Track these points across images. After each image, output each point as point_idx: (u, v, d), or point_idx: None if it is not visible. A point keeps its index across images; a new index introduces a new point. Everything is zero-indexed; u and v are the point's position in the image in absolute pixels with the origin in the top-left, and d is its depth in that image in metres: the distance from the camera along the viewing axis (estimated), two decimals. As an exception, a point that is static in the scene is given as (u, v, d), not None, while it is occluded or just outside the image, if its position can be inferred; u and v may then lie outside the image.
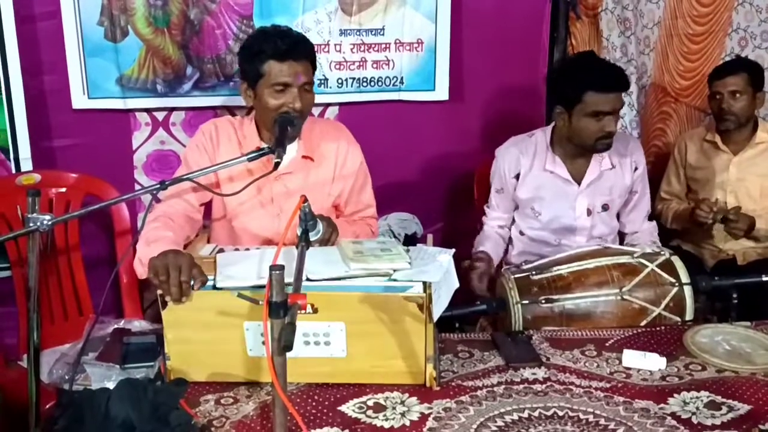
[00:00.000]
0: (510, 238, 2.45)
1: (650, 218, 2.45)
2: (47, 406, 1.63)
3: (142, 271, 1.69)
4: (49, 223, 1.47)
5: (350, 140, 2.11)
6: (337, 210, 2.13)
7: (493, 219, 2.45)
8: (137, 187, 2.64)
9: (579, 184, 2.30)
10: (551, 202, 2.32)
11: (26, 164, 2.45)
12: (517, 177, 2.34)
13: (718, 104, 2.57)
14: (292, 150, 2.02)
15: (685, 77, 2.86)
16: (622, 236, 2.44)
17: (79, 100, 2.50)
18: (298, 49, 1.89)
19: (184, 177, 1.79)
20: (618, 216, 2.41)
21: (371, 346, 1.51)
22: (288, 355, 1.20)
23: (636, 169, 2.33)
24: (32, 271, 1.49)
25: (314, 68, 1.96)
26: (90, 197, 2.33)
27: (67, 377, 1.67)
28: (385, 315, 1.47)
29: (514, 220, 2.44)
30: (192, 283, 1.49)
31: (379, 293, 1.49)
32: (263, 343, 1.45)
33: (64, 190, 2.33)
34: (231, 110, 2.68)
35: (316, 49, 1.98)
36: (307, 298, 1.27)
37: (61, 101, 2.50)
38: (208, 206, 2.07)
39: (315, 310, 1.45)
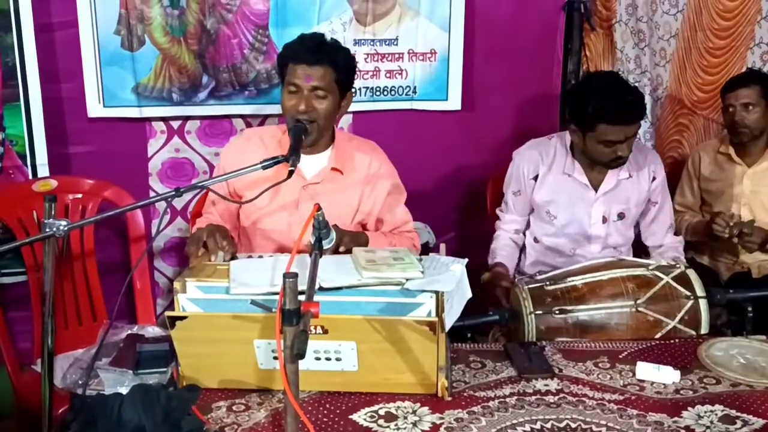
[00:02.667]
0: (524, 247, 2.44)
1: (675, 233, 2.42)
2: (60, 411, 1.65)
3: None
4: (65, 228, 1.48)
5: (383, 159, 2.10)
6: (364, 229, 2.10)
7: (508, 223, 2.44)
8: (152, 194, 2.66)
9: (596, 191, 2.29)
10: (567, 206, 2.31)
11: (43, 170, 2.47)
12: (536, 179, 2.33)
13: (731, 117, 2.55)
14: (323, 161, 2.03)
15: (703, 90, 2.82)
16: (646, 250, 2.41)
17: (95, 108, 2.53)
18: (313, 53, 1.90)
19: (199, 184, 1.81)
20: (639, 228, 2.40)
21: (383, 362, 1.50)
22: (299, 367, 1.20)
23: (654, 179, 2.32)
24: (48, 276, 1.50)
25: (343, 76, 1.94)
26: (105, 203, 2.35)
27: (80, 382, 1.69)
28: (396, 335, 1.46)
29: (529, 224, 2.42)
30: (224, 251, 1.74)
31: (390, 317, 1.47)
32: (274, 358, 1.46)
33: (80, 195, 2.35)
34: (246, 119, 2.70)
35: None
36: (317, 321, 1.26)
37: (77, 109, 2.52)
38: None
39: (325, 331, 1.44)
